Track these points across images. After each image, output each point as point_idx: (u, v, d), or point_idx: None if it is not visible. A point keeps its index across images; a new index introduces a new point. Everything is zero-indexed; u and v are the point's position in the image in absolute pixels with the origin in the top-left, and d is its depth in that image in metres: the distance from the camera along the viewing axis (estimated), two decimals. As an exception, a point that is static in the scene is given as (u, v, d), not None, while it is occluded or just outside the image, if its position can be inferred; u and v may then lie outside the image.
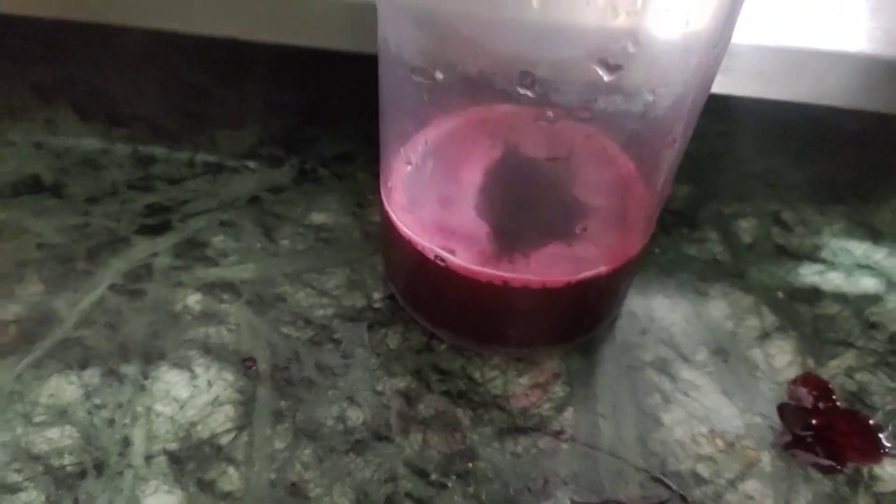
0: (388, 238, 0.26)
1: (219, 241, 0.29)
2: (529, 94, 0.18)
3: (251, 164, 0.32)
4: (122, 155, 0.32)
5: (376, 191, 0.28)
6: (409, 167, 0.24)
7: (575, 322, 0.25)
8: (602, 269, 0.24)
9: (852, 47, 0.26)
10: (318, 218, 0.30)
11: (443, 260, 0.23)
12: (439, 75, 0.19)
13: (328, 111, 0.34)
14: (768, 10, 0.26)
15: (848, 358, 0.26)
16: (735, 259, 0.29)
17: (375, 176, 0.31)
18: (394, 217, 0.25)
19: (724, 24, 0.19)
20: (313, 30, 0.28)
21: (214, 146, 0.32)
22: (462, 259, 0.23)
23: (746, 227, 0.30)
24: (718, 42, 0.20)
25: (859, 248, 0.30)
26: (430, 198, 0.24)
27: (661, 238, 0.30)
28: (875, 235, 0.30)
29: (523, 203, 0.23)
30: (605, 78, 0.18)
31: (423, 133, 0.23)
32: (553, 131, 0.21)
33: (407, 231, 0.24)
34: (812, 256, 0.30)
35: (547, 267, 0.23)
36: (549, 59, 0.18)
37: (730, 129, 0.34)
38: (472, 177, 0.23)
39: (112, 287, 0.27)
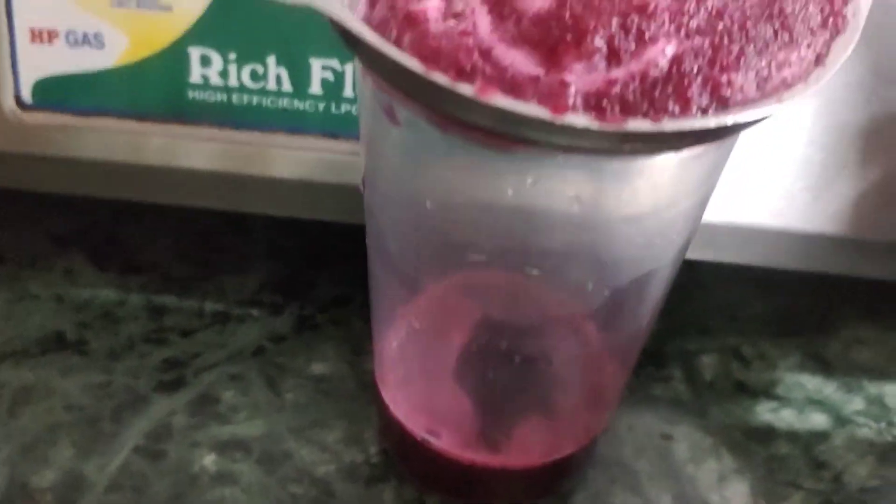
0: (380, 412, 0.29)
1: (229, 395, 0.32)
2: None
3: (254, 311, 0.35)
4: (137, 306, 0.35)
5: (370, 337, 0.31)
6: (395, 354, 0.27)
7: (554, 483, 0.28)
8: (579, 445, 0.27)
9: (795, 224, 0.29)
10: (317, 368, 0.33)
11: (429, 442, 0.26)
12: (421, 318, 0.22)
13: (325, 253, 0.37)
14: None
15: (796, 500, 0.29)
16: (697, 398, 0.32)
17: (368, 321, 0.34)
18: (384, 397, 0.28)
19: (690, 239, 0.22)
20: (315, 206, 0.31)
21: (221, 293, 0.35)
22: (447, 443, 0.26)
23: (708, 363, 0.33)
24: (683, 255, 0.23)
25: (811, 382, 0.33)
26: (417, 382, 0.27)
27: (629, 379, 0.33)
28: (826, 368, 0.33)
29: (505, 388, 0.26)
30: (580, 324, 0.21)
31: (406, 323, 0.26)
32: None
33: (396, 412, 0.27)
34: (768, 392, 0.32)
35: (527, 450, 0.26)
36: (525, 319, 0.21)
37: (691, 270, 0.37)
38: (455, 362, 0.26)
39: (136, 449, 0.30)
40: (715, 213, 0.29)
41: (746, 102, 0.15)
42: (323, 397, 0.32)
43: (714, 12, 0.16)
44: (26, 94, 0.31)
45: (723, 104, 0.15)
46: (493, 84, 0.15)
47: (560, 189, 0.18)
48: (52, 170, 0.32)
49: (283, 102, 0.30)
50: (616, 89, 0.15)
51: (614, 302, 0.21)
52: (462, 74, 0.16)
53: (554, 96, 0.15)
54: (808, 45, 0.17)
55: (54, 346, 0.33)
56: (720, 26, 0.16)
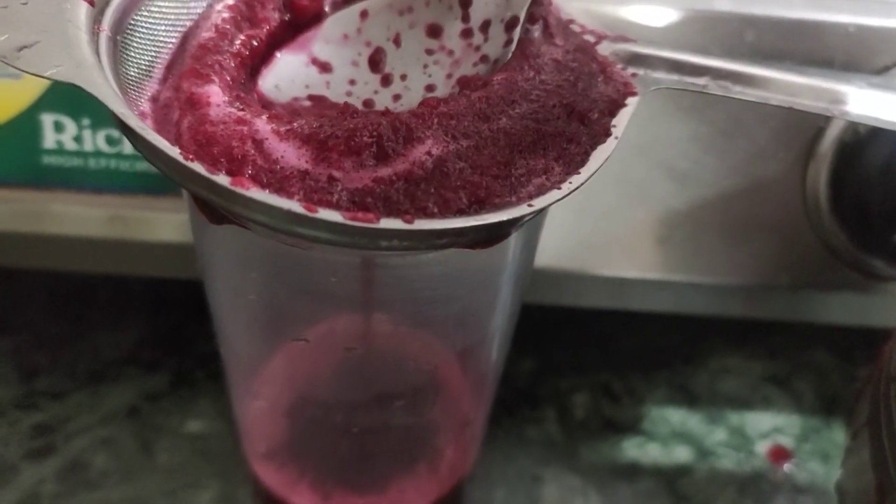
0: (250, 476, 0.29)
1: (100, 460, 0.31)
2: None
3: (131, 369, 0.34)
4: (7, 369, 0.34)
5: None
6: (250, 426, 0.27)
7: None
8: (446, 487, 0.27)
9: (653, 273, 0.30)
10: (193, 426, 0.33)
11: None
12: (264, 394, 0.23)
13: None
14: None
15: (656, 537, 0.31)
16: (568, 438, 0.33)
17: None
18: (252, 464, 0.28)
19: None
20: (182, 266, 0.31)
21: (96, 351, 0.35)
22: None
23: (580, 402, 0.34)
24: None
25: (676, 416, 0.34)
26: (277, 451, 0.27)
27: (504, 419, 0.33)
28: (692, 400, 0.35)
29: (347, 456, 0.26)
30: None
31: (254, 398, 0.26)
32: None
33: (263, 478, 0.27)
34: (635, 428, 0.34)
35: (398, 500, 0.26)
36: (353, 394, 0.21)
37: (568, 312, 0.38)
38: (299, 432, 0.27)
39: (2, 523, 0.30)
40: (582, 265, 0.30)
41: (502, 206, 0.16)
42: (198, 457, 0.32)
43: (481, 117, 0.17)
44: None
45: (480, 206, 0.16)
46: (262, 175, 0.16)
47: (369, 277, 0.18)
48: None
49: (142, 166, 0.30)
50: (382, 187, 0.16)
51: (439, 376, 0.21)
52: (233, 162, 0.16)
53: (319, 191, 0.15)
54: (567, 155, 0.17)
55: (-82, 416, 0.32)
56: (485, 131, 0.16)
